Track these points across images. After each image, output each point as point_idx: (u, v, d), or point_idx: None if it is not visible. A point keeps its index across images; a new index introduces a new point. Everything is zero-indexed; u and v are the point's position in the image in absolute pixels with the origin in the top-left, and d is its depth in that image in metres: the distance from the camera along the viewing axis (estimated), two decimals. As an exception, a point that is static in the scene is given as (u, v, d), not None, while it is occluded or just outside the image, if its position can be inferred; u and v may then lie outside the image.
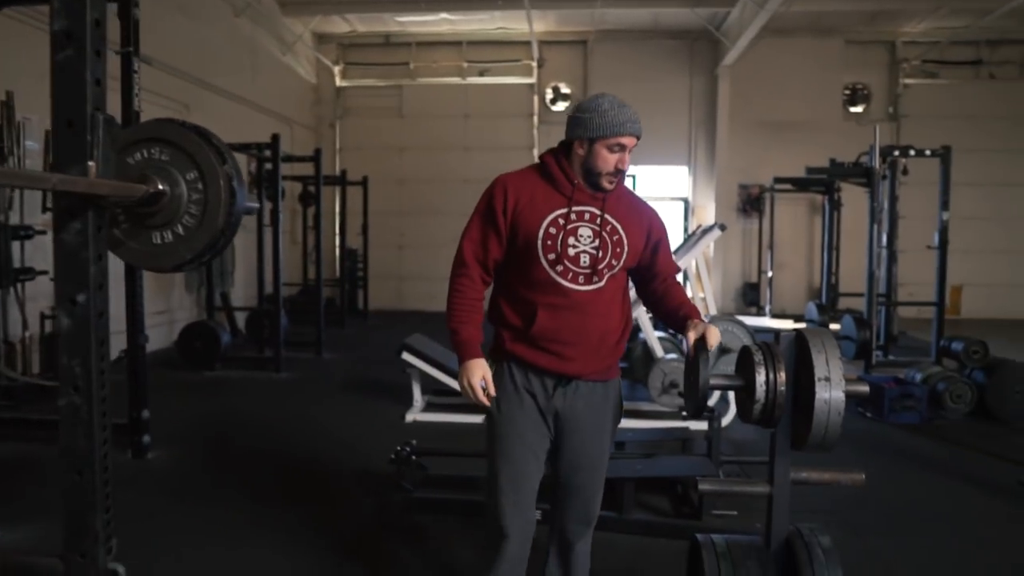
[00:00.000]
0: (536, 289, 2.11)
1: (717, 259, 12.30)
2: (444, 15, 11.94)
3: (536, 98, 13.06)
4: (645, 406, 5.30)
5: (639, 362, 5.51)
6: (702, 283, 5.12)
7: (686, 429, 4.19)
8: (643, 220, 2.18)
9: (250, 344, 8.23)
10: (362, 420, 5.45)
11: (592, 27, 12.44)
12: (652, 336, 5.00)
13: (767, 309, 11.75)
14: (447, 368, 5.09)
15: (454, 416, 5.19)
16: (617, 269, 2.10)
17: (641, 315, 4.96)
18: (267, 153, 7.49)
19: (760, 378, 1.90)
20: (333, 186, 11.27)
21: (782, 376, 1.89)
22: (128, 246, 1.34)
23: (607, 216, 2.11)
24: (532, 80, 13.02)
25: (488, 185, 2.19)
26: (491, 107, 13.09)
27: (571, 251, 2.07)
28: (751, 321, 10.33)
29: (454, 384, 5.06)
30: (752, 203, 12.57)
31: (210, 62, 9.15)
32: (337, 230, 11.71)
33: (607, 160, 2.06)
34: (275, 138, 7.13)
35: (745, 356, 2.00)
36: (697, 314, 2.10)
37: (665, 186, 12.97)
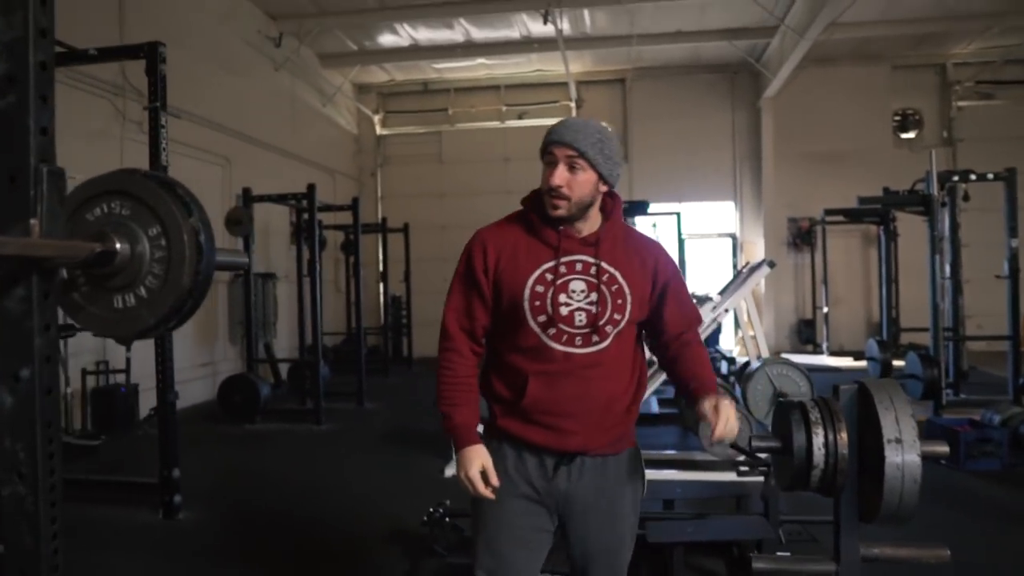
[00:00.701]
0: (527, 356, 1.84)
1: (768, 296, 11.91)
2: (481, 60, 11.99)
3: (576, 138, 12.97)
4: (697, 455, 5.00)
5: (688, 409, 5.22)
6: (752, 323, 4.84)
7: (741, 483, 3.89)
8: (646, 261, 1.89)
9: (292, 395, 8.14)
10: (400, 475, 5.25)
11: (629, 65, 12.36)
12: (700, 380, 4.73)
13: (824, 347, 11.29)
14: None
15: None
16: (623, 325, 1.82)
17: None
18: (305, 203, 7.49)
19: (818, 439, 1.65)
20: (375, 234, 11.28)
21: (844, 437, 1.64)
22: (88, 311, 1.20)
23: (603, 264, 1.83)
24: (571, 121, 12.93)
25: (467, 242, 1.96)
26: (531, 149, 12.69)
27: (563, 310, 1.79)
28: (807, 360, 9.92)
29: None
30: (803, 237, 12.19)
31: (251, 116, 9.28)
32: (380, 278, 11.69)
33: (543, 176, 1.81)
34: (311, 188, 7.12)
35: (784, 413, 1.76)
36: (712, 387, 1.84)
37: (712, 223, 12.69)
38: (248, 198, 7.40)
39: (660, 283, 1.90)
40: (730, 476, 4.21)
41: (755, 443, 1.78)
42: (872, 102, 11.95)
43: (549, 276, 1.81)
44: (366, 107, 13.36)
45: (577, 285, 1.81)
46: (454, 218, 13.05)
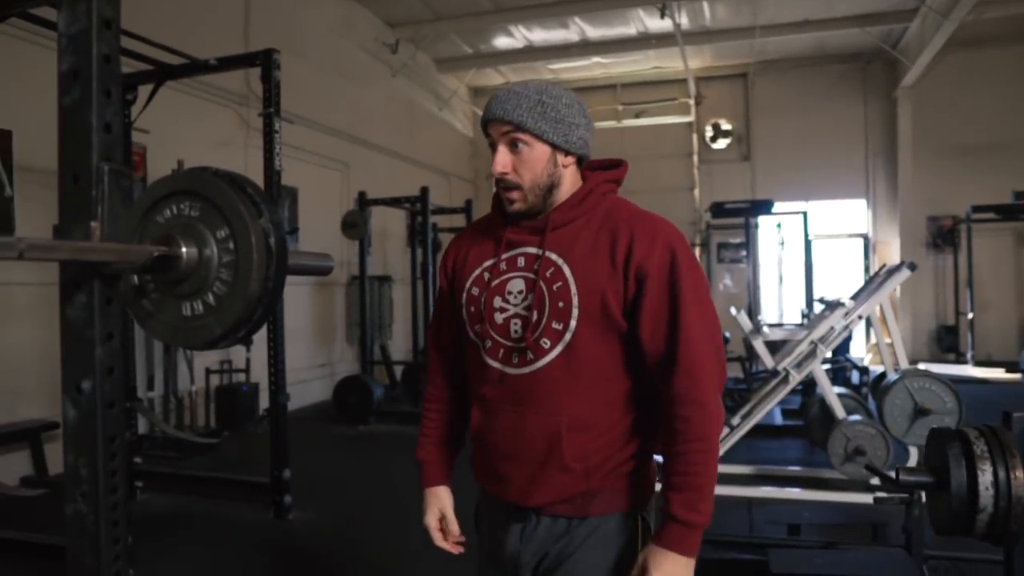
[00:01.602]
0: (474, 376, 1.50)
1: (904, 301, 11.06)
2: (597, 59, 11.79)
3: (695, 136, 12.55)
4: (827, 473, 4.62)
5: (816, 422, 4.85)
6: (889, 330, 4.42)
7: (879, 509, 3.53)
8: (618, 243, 1.37)
9: (406, 396, 8.23)
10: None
11: (752, 58, 11.81)
12: (830, 392, 4.35)
13: (968, 356, 10.36)
14: None
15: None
16: (569, 336, 1.36)
17: (816, 367, 4.34)
18: (418, 206, 7.54)
19: (985, 477, 1.38)
20: (489, 236, 11.27)
21: (1019, 475, 1.36)
22: (157, 319, 1.13)
23: (548, 254, 1.40)
24: (690, 118, 12.53)
25: None
26: (649, 148, 12.69)
27: (498, 317, 1.42)
28: (949, 370, 9.13)
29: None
30: (944, 237, 11.26)
31: (369, 121, 9.48)
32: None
33: (492, 166, 1.43)
34: (424, 191, 7.15)
35: (939, 443, 1.49)
36: (669, 525, 1.31)
37: (841, 222, 11.94)
38: (363, 201, 7.52)
39: (634, 276, 1.35)
40: (865, 499, 3.85)
41: (903, 476, 1.52)
42: (1024, 88, 10.87)
43: (486, 276, 1.46)
44: (481, 110, 13.40)
45: (516, 285, 1.42)
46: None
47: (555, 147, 1.41)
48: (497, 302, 1.44)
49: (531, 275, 1.41)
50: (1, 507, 4.52)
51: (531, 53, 11.48)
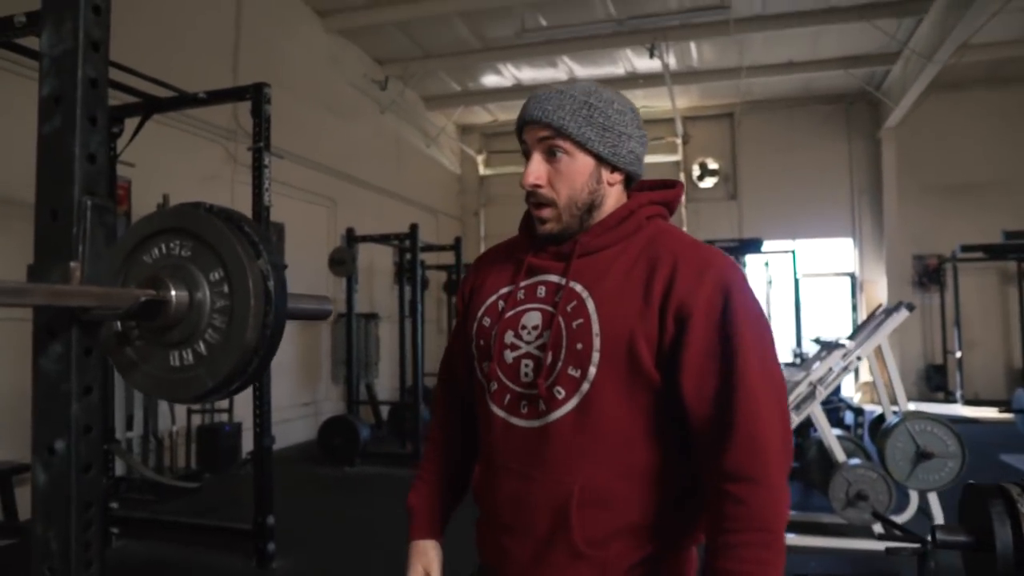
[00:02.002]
0: (481, 425, 1.27)
1: (892, 339, 11.00)
2: (584, 98, 11.83)
3: (683, 175, 12.59)
4: (825, 518, 4.51)
5: (814, 465, 4.75)
6: (887, 372, 4.35)
7: (883, 555, 3.41)
8: (655, 281, 1.12)
9: (392, 437, 8.04)
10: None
11: (738, 99, 11.92)
12: (830, 435, 4.25)
13: (958, 395, 10.33)
14: None
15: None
16: (587, 387, 1.12)
17: (815, 409, 4.25)
18: (407, 243, 7.45)
19: (1036, 541, 1.29)
20: (476, 273, 11.17)
21: (1074, 540, 1.27)
22: (142, 370, 1.02)
23: (571, 284, 1.18)
24: (677, 157, 12.59)
25: None
26: (635, 187, 12.69)
27: (508, 356, 1.20)
28: (938, 410, 9.08)
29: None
30: (930, 276, 11.31)
31: (357, 157, 9.43)
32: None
33: (524, 175, 1.21)
34: (413, 228, 7.07)
35: (979, 500, 1.39)
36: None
37: (829, 261, 11.97)
38: (351, 238, 7.43)
39: (673, 316, 1.10)
40: (873, 546, 3.74)
41: (941, 536, 1.41)
42: (1009, 129, 11.01)
43: (500, 304, 1.24)
44: (469, 147, 13.43)
45: (532, 318, 1.19)
46: (556, 257, 12.85)
47: (600, 159, 1.19)
48: (508, 337, 1.21)
49: (550, 308, 1.18)
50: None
51: (520, 91, 11.52)
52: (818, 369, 4.22)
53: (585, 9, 8.68)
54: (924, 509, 4.15)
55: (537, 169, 1.19)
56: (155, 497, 5.31)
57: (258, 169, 4.00)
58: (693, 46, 9.91)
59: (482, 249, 12.87)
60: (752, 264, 10.77)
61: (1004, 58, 9.87)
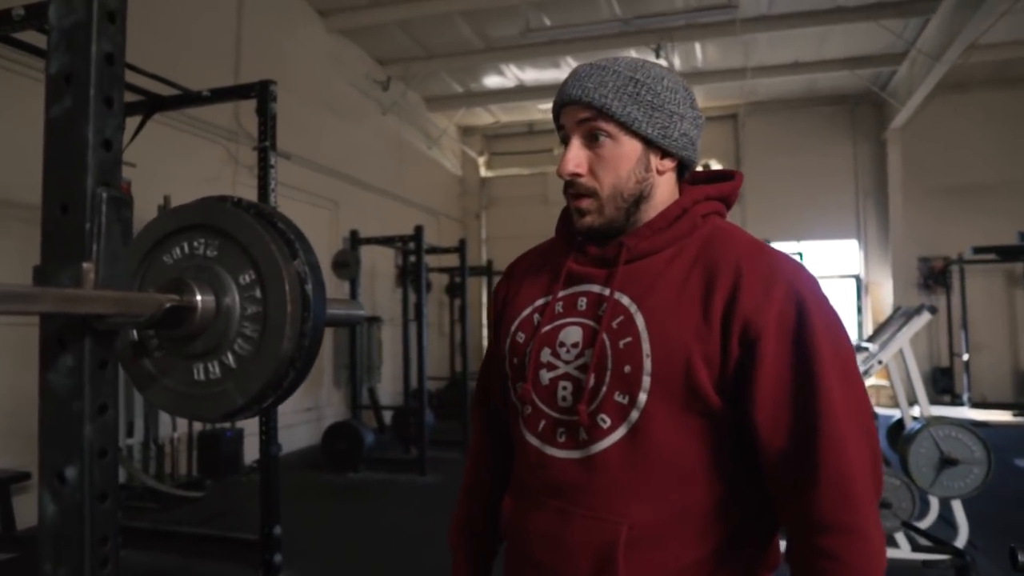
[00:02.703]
0: (516, 451, 1.15)
1: (899, 341, 10.94)
2: (587, 99, 11.74)
3: (685, 177, 12.48)
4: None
5: None
6: (911, 376, 4.24)
7: (911, 566, 3.30)
8: (716, 293, 0.98)
9: (396, 442, 7.91)
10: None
11: (742, 99, 11.83)
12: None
13: (965, 398, 10.23)
14: None
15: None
16: (637, 415, 0.98)
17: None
18: (411, 246, 7.33)
19: None
20: (480, 276, 11.07)
21: None
22: (162, 385, 0.90)
23: (617, 295, 1.03)
24: (680, 158, 12.47)
25: None
26: (638, 188, 12.61)
27: (543, 376, 1.07)
28: (945, 412, 8.98)
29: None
30: (936, 278, 11.21)
31: (359, 159, 9.31)
32: (485, 321, 11.47)
33: (561, 163, 1.06)
34: (418, 230, 6.96)
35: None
36: None
37: (834, 263, 11.87)
38: (355, 240, 7.31)
39: (739, 335, 0.96)
40: (903, 556, 3.61)
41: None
42: (1014, 130, 10.92)
43: (536, 318, 1.11)
44: (471, 149, 13.32)
45: (571, 334, 1.06)
46: (558, 260, 12.74)
47: (649, 143, 1.05)
48: (545, 355, 1.07)
49: (592, 323, 1.03)
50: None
51: (522, 92, 11.42)
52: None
53: (590, 9, 8.58)
54: (945, 516, 4.04)
55: (576, 155, 1.04)
56: (156, 505, 5.18)
57: (264, 169, 3.88)
58: (698, 47, 9.81)
59: (484, 252, 12.77)
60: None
61: (1011, 59, 9.77)
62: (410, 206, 10.72)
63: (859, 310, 11.55)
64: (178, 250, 0.93)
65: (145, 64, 4.06)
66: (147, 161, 5.26)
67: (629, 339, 1.00)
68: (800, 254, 10.11)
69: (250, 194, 3.94)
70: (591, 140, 1.04)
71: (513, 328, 1.14)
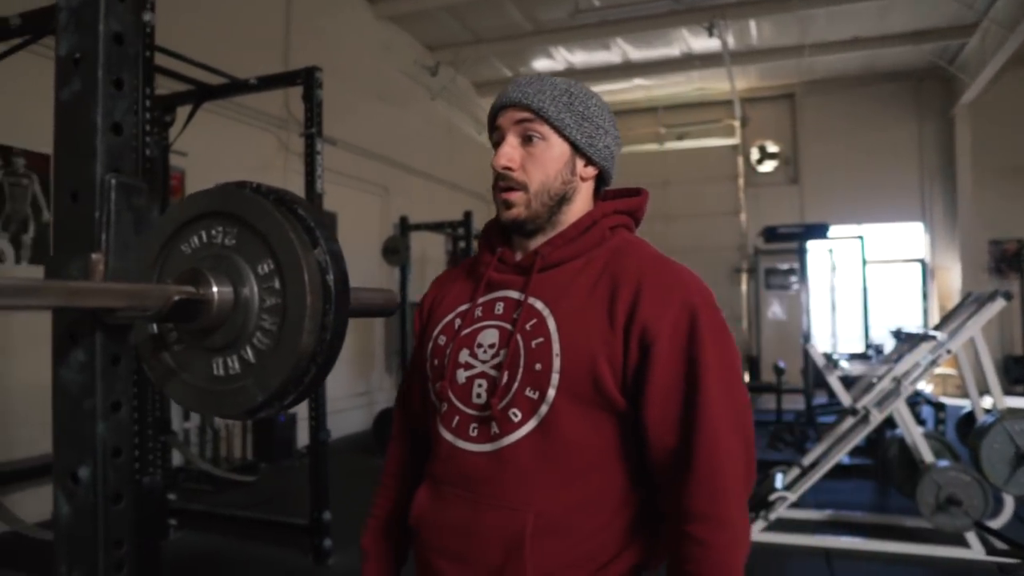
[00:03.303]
0: (431, 446, 1.20)
1: (966, 327, 10.51)
2: (638, 81, 11.54)
3: (740, 159, 12.19)
4: (907, 521, 4.23)
5: (896, 465, 4.45)
6: (984, 366, 4.03)
7: (984, 568, 3.15)
8: (619, 301, 1.06)
9: (446, 428, 7.91)
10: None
11: (799, 78, 11.48)
12: (916, 434, 3.97)
13: (1040, 387, 9.79)
14: None
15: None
16: (545, 410, 1.05)
17: (900, 406, 3.97)
18: (461, 231, 7.31)
19: None
20: (529, 261, 10.97)
21: None
22: (181, 379, 0.86)
23: (531, 300, 1.11)
24: (735, 140, 12.19)
25: None
26: (692, 172, 12.38)
27: (460, 375, 1.13)
28: (1019, 403, 8.60)
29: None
30: (1008, 261, 10.71)
31: (408, 145, 9.31)
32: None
33: (495, 157, 1.14)
34: (467, 215, 6.92)
35: None
36: None
37: (897, 247, 11.45)
38: (405, 226, 7.31)
39: (638, 340, 1.04)
40: (967, 555, 3.45)
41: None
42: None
43: (457, 323, 1.18)
44: (520, 134, 13.22)
45: (488, 336, 1.13)
46: (609, 245, 12.58)
47: (576, 149, 1.15)
48: (463, 356, 1.14)
49: (508, 326, 1.11)
50: (12, 546, 4.28)
51: (572, 75, 11.25)
52: (903, 363, 3.94)
53: (642, -13, 8.39)
54: (1022, 516, 3.85)
55: (510, 152, 1.13)
56: (212, 488, 5.29)
57: (311, 155, 3.88)
58: (753, 24, 9.51)
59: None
60: (815, 251, 10.37)
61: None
62: (460, 191, 10.70)
63: (924, 296, 11.12)
64: (196, 239, 0.88)
65: (194, 53, 4.10)
66: (199, 151, 5.34)
67: (541, 339, 1.07)
68: (861, 238, 9.77)
69: (300, 181, 3.95)
70: (525, 140, 1.13)
71: (436, 332, 1.21)
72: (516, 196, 1.13)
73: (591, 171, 1.18)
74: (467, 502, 1.10)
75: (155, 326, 0.90)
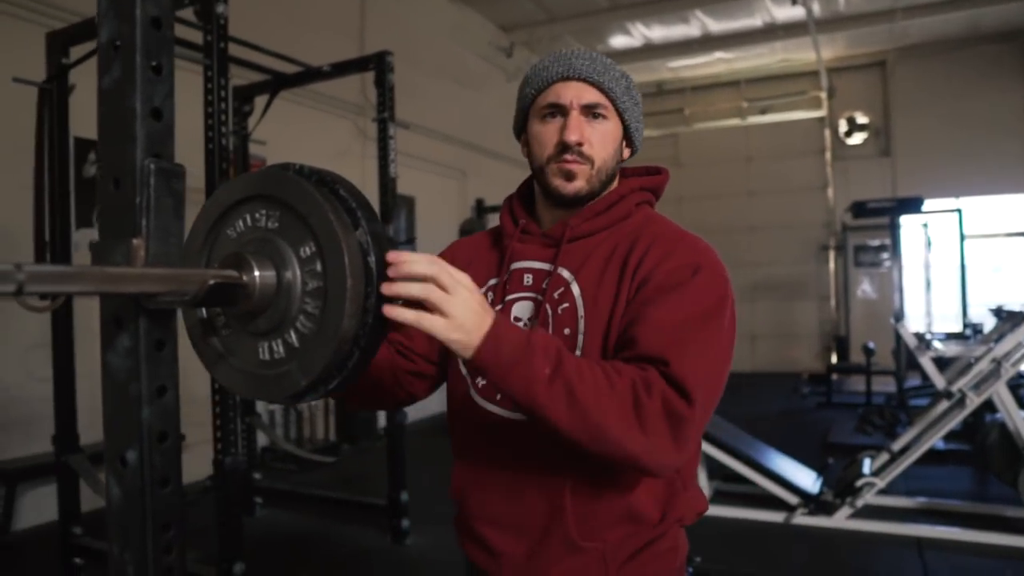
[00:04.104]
0: (461, 425, 1.24)
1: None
2: (719, 54, 11.19)
3: (828, 132, 11.69)
4: (1008, 511, 4.00)
5: (995, 451, 4.20)
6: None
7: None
8: (630, 260, 1.11)
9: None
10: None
11: (891, 45, 10.90)
12: (1017, 419, 3.74)
13: None
14: (739, 453, 4.24)
15: (748, 512, 4.29)
16: None
17: (1000, 389, 3.74)
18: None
19: None
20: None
21: None
22: (230, 364, 0.87)
23: (560, 271, 1.15)
24: (822, 113, 11.69)
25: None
26: (776, 147, 11.96)
27: None
28: None
29: (745, 471, 4.21)
30: (1125, 233, 9.96)
31: (485, 127, 9.31)
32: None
33: (541, 137, 1.15)
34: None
35: None
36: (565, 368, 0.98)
37: (1000, 220, 10.78)
38: (481, 209, 7.33)
39: (637, 287, 1.09)
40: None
41: None
42: None
43: (490, 296, 1.21)
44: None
45: (522, 308, 1.17)
46: (693, 223, 12.11)
47: (627, 131, 1.20)
48: None
49: (538, 296, 1.16)
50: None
51: (650, 51, 11.02)
52: (1005, 343, 3.70)
53: (720, -44, 8.10)
54: None
55: (580, 126, 1.14)
56: (296, 467, 5.45)
57: (383, 140, 3.91)
58: (841, -11, 9.08)
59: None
60: (909, 225, 9.88)
61: None
62: (536, 173, 10.65)
63: (1030, 272, 10.46)
64: (241, 223, 0.88)
65: (271, 42, 4.18)
66: (278, 139, 5.46)
67: (566, 304, 1.13)
68: (959, 211, 9.23)
69: (376, 166, 3.99)
70: (591, 116, 1.15)
71: None
72: (583, 169, 1.14)
73: (627, 154, 1.24)
74: (507, 468, 1.14)
75: (204, 311, 0.91)
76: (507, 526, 1.14)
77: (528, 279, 1.19)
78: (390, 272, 0.83)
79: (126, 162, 0.77)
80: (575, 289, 1.13)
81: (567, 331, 1.11)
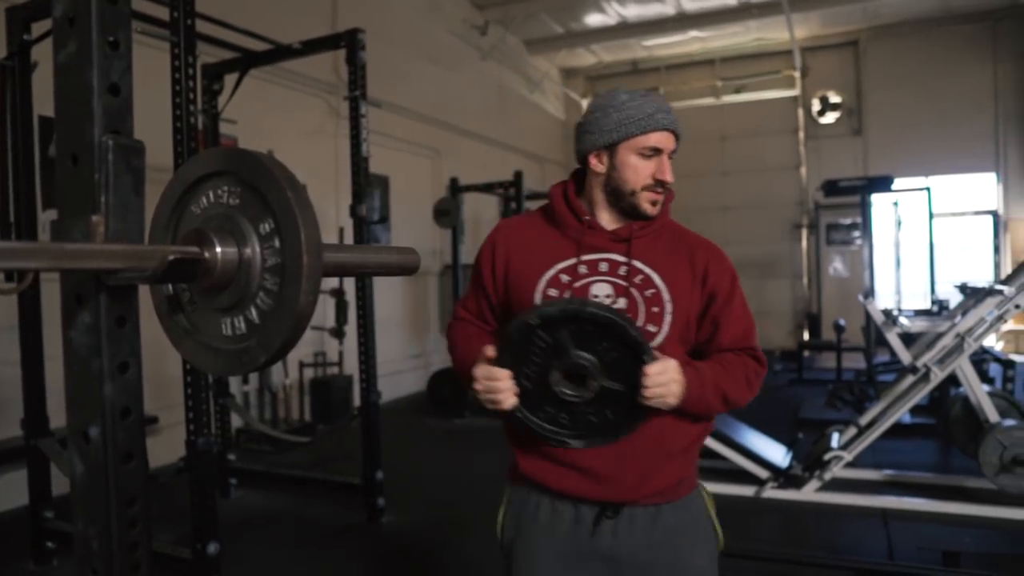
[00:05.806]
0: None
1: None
2: (694, 33, 11.21)
3: (801, 111, 11.78)
4: (969, 482, 4.10)
5: (958, 424, 4.30)
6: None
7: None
8: (696, 262, 1.49)
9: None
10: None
11: (864, 24, 10.98)
12: (980, 393, 3.83)
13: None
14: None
15: (720, 486, 4.36)
16: (660, 339, 1.44)
17: (963, 363, 3.82)
18: (512, 191, 7.27)
19: None
20: (582, 221, 10.89)
21: None
22: (195, 340, 0.87)
23: (635, 263, 1.46)
24: (795, 92, 11.77)
25: None
26: (750, 126, 12.02)
27: None
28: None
29: (717, 447, 4.27)
30: (1088, 212, 10.16)
31: (459, 106, 9.27)
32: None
33: (639, 170, 1.46)
34: (517, 175, 6.88)
35: None
36: (696, 375, 1.43)
37: (966, 198, 10.95)
38: (455, 188, 7.31)
39: (708, 293, 1.49)
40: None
41: None
42: None
43: (565, 278, 1.47)
44: (573, 92, 13.03)
45: (601, 289, 1.47)
46: (665, 203, 12.35)
47: None
48: None
49: (619, 281, 1.46)
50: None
51: (625, 30, 11.00)
52: (967, 319, 3.78)
53: (695, -66, 8.09)
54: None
55: (670, 169, 1.49)
56: (271, 448, 5.45)
57: (355, 119, 3.88)
58: (814, -32, 9.11)
59: (588, 197, 12.53)
60: (880, 204, 10.00)
61: None
62: (513, 152, 10.63)
63: (996, 249, 10.64)
64: (204, 199, 0.88)
65: (240, 20, 4.12)
66: (250, 117, 5.39)
67: (652, 291, 1.46)
68: (928, 190, 9.36)
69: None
70: (669, 158, 1.49)
71: (542, 285, 1.48)
72: (661, 199, 1.49)
73: None
74: None
75: (171, 288, 0.91)
76: (617, 456, 1.44)
77: (604, 266, 1.47)
78: (647, 382, 1.33)
79: (84, 138, 0.77)
80: (656, 279, 1.45)
81: (655, 309, 1.44)
